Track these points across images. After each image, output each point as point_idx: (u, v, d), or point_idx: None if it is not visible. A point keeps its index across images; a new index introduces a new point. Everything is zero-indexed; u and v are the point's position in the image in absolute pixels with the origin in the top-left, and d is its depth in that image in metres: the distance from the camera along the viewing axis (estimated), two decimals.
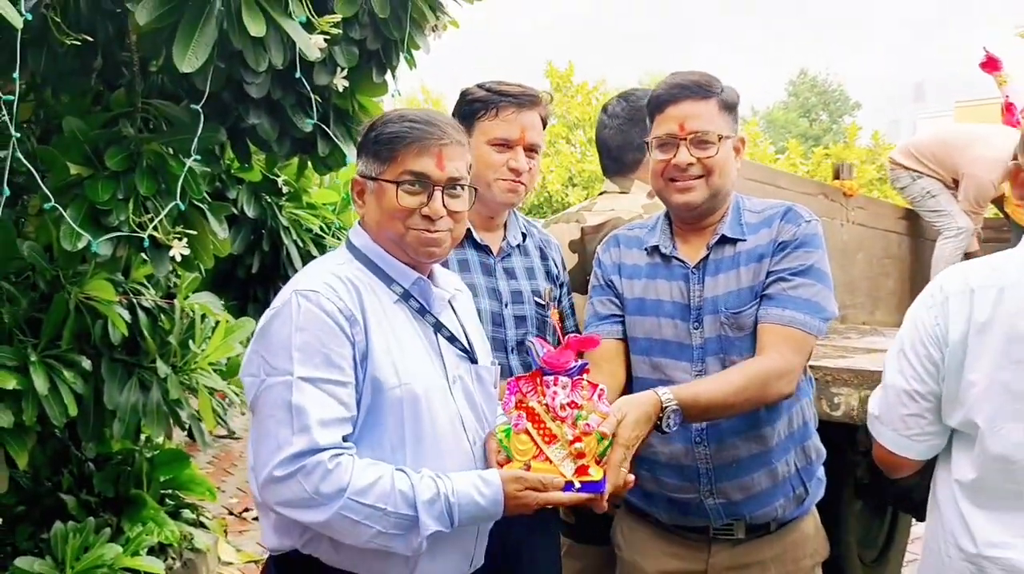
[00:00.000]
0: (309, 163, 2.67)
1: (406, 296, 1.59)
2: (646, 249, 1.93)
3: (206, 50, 2.01)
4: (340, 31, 2.25)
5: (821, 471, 1.94)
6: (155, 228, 2.24)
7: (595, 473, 1.49)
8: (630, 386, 1.89)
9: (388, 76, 2.54)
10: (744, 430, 1.80)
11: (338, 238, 3.59)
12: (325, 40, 2.20)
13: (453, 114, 2.00)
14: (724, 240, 1.85)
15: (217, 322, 2.99)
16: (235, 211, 3.03)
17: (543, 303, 2.03)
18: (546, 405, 1.51)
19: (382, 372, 1.50)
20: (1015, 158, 1.61)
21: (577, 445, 1.48)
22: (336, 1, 2.26)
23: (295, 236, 3.34)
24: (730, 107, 1.85)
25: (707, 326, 1.82)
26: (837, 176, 4.70)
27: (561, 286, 2.15)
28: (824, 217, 4.15)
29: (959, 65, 5.45)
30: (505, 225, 2.08)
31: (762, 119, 30.25)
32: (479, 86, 2.00)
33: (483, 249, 2.02)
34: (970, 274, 1.56)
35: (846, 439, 2.55)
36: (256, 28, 1.99)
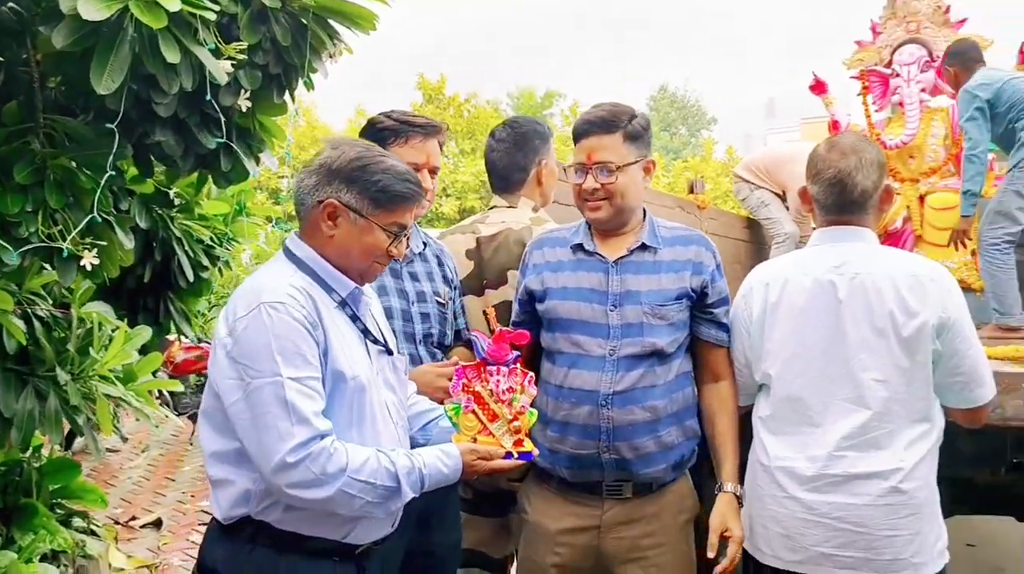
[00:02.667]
0: (209, 177, 2.80)
1: (343, 304, 1.84)
2: (571, 247, 2.28)
3: (121, 73, 2.15)
4: (245, 57, 2.43)
5: (695, 444, 2.30)
6: (63, 239, 2.35)
7: (527, 445, 1.92)
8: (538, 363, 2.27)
9: (287, 97, 2.73)
10: (642, 401, 2.14)
11: (228, 248, 3.72)
12: (232, 65, 2.38)
13: (361, 137, 2.26)
14: (644, 247, 2.22)
15: (115, 330, 3.06)
16: None
17: (443, 302, 2.30)
18: (490, 390, 1.92)
19: (340, 365, 1.75)
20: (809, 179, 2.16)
21: (515, 423, 1.90)
22: (241, 29, 2.43)
23: (187, 247, 3.44)
24: (635, 136, 2.22)
25: (628, 313, 2.17)
26: (691, 190, 5.18)
27: (455, 289, 2.42)
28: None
29: (805, 85, 6.09)
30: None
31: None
32: (387, 115, 2.25)
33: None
34: (767, 270, 2.20)
35: None
36: (171, 55, 2.15)
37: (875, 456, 2.01)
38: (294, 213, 1.93)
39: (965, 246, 4.97)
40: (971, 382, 2.06)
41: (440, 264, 2.40)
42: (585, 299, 2.20)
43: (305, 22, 2.59)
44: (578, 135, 2.23)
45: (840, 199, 2.10)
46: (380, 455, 1.73)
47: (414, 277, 2.30)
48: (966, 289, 4.80)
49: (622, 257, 2.22)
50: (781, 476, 2.09)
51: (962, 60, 4.89)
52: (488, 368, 1.95)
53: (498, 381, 1.93)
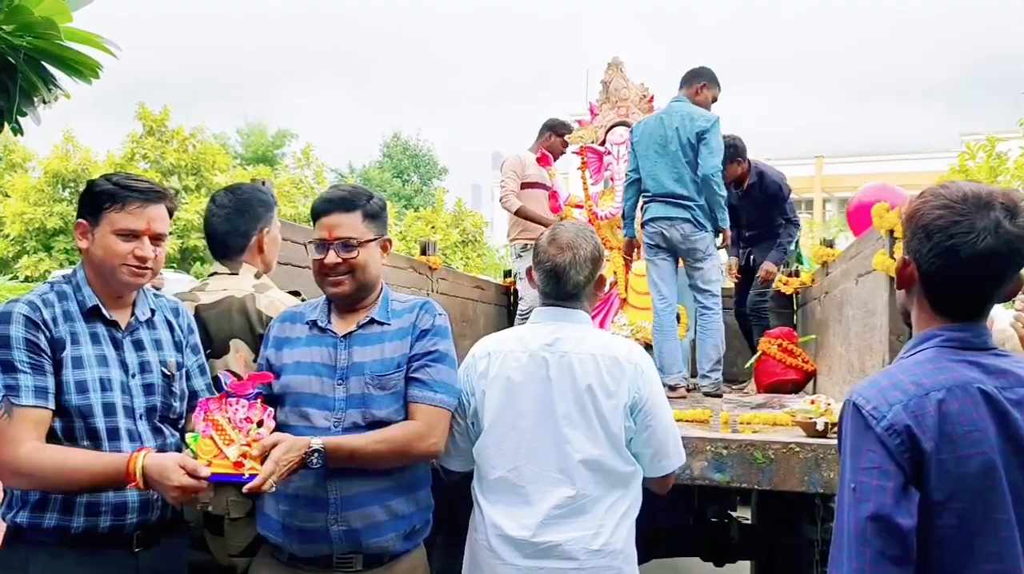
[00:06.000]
0: None
1: None
2: (307, 323, 2.28)
3: None
4: None
5: (428, 515, 2.34)
6: None
7: (259, 468, 1.98)
8: None
9: None
10: (369, 472, 2.16)
11: None
12: None
13: (79, 203, 2.13)
14: (372, 322, 2.26)
15: None
16: None
17: (168, 374, 2.18)
18: (228, 418, 2.01)
19: None
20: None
21: (245, 447, 1.98)
22: None
23: None
24: (373, 215, 2.29)
25: (352, 385, 2.19)
26: (424, 252, 5.34)
27: (192, 347, 2.33)
28: (413, 287, 4.71)
29: (528, 140, 6.58)
30: (134, 302, 2.20)
31: (359, 177, 31.53)
32: (106, 178, 2.11)
33: (112, 324, 2.13)
34: (491, 341, 2.36)
35: None
36: None
37: (579, 522, 2.18)
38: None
39: None
40: (658, 454, 2.30)
41: (171, 329, 2.28)
42: (316, 373, 2.23)
43: (15, 63, 2.39)
44: (319, 213, 2.28)
45: (556, 289, 2.31)
46: None
47: (138, 346, 2.16)
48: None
49: (351, 332, 2.26)
50: (498, 543, 2.20)
51: None
52: (229, 399, 2.04)
53: (236, 410, 2.03)
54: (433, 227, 22.74)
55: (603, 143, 6.56)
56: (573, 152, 6.74)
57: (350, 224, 2.24)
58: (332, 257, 2.23)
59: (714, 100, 5.20)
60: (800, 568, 3.67)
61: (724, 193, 4.98)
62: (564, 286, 2.28)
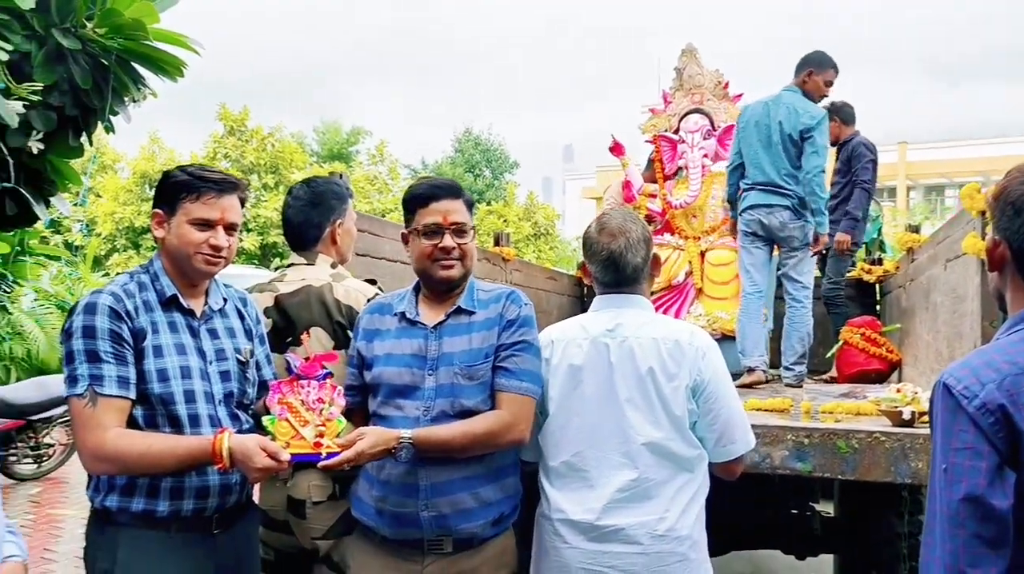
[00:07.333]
0: None
1: None
2: (396, 314, 2.33)
3: None
4: (39, 97, 2.29)
5: (516, 501, 2.37)
6: None
7: (335, 447, 2.06)
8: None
9: (85, 139, 2.59)
10: (458, 460, 2.20)
11: (6, 291, 3.44)
12: (24, 106, 2.23)
13: (156, 193, 2.20)
14: (460, 311, 2.29)
15: None
16: None
17: (243, 361, 2.25)
18: (301, 400, 2.10)
19: None
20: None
21: (321, 428, 2.07)
22: (35, 69, 2.30)
23: None
24: (471, 205, 2.37)
25: (442, 375, 2.23)
26: (497, 243, 5.37)
27: (260, 338, 2.39)
28: (487, 278, 4.74)
29: (602, 135, 6.53)
30: (207, 291, 2.27)
31: (432, 172, 31.81)
32: (181, 170, 2.18)
33: (188, 312, 2.20)
34: (555, 330, 2.38)
35: None
36: None
37: (643, 507, 2.19)
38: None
39: None
40: (722, 438, 2.27)
41: (241, 318, 2.35)
42: (406, 365, 2.27)
43: (107, 65, 2.48)
44: (425, 199, 2.30)
45: (616, 276, 2.32)
46: None
47: (213, 334, 2.24)
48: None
49: (440, 322, 2.30)
50: (562, 527, 2.23)
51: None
52: (300, 382, 2.12)
53: (308, 392, 2.11)
54: (505, 220, 22.83)
55: (676, 131, 6.47)
56: (646, 141, 6.67)
57: (460, 210, 2.30)
58: (448, 241, 2.26)
59: (828, 84, 5.07)
60: (888, 562, 3.57)
61: (825, 196, 4.89)
62: (623, 271, 2.29)
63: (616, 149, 6.58)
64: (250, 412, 2.28)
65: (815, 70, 5.01)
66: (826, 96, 5.14)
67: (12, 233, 3.27)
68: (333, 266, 2.72)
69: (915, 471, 2.64)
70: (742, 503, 3.59)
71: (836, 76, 5.09)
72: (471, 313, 2.30)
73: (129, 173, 20.88)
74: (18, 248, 3.43)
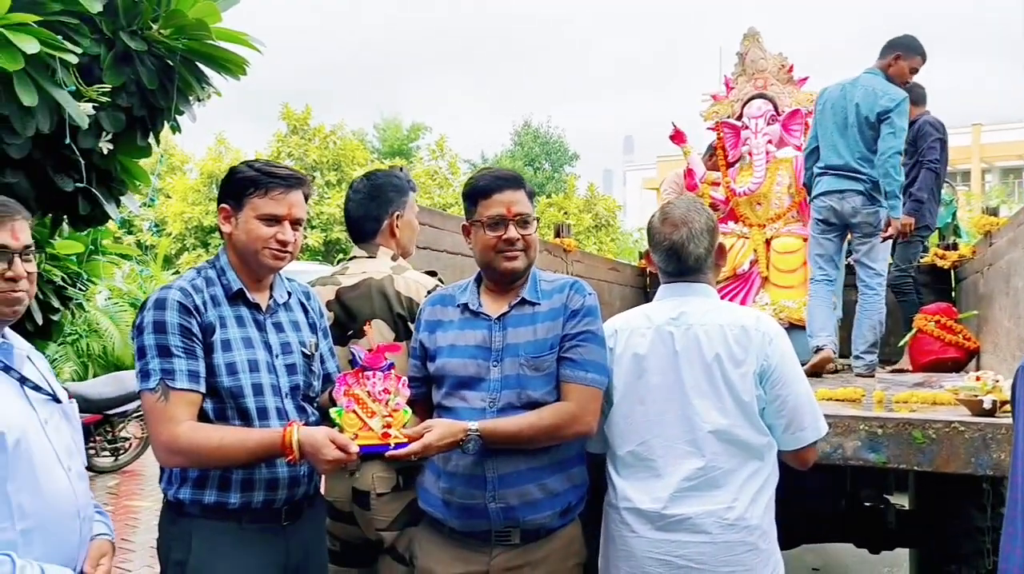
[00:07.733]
0: (65, 220, 2.68)
1: None
2: (458, 306, 2.33)
3: None
4: (108, 99, 2.35)
5: (583, 492, 2.35)
6: None
7: (403, 438, 2.09)
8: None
9: (152, 139, 2.65)
10: (524, 451, 2.20)
11: (81, 288, 3.54)
12: (94, 107, 2.29)
13: (222, 188, 2.22)
14: (523, 302, 2.28)
15: None
16: None
17: (308, 354, 2.27)
18: (368, 392, 2.12)
19: None
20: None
21: (388, 418, 2.09)
22: (104, 71, 2.35)
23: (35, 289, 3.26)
24: (532, 195, 2.35)
25: (507, 366, 2.23)
26: (558, 235, 5.35)
27: (323, 331, 2.41)
28: (549, 270, 4.72)
29: (662, 126, 6.45)
30: (272, 285, 2.30)
31: (493, 166, 31.86)
32: (248, 165, 2.21)
33: (254, 307, 2.23)
34: (619, 319, 2.36)
35: None
36: (27, 98, 2.06)
37: (712, 495, 2.16)
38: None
39: None
40: (792, 425, 2.22)
41: (305, 311, 2.37)
42: (471, 356, 2.27)
43: (172, 65, 2.54)
44: (488, 190, 2.28)
45: (678, 266, 2.29)
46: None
47: (279, 328, 2.26)
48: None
49: (504, 314, 2.29)
50: (629, 516, 2.21)
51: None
52: (365, 373, 2.13)
53: (374, 383, 2.12)
54: (566, 213, 22.75)
55: (739, 117, 6.34)
56: (708, 128, 6.56)
57: (523, 201, 2.29)
58: (513, 232, 2.25)
59: (913, 72, 4.88)
60: (968, 557, 3.43)
61: (900, 179, 4.70)
62: (686, 261, 2.26)
63: (677, 137, 6.49)
64: (316, 405, 2.30)
65: (903, 54, 4.81)
66: (908, 83, 4.93)
67: (85, 232, 3.34)
68: (394, 258, 2.73)
69: (997, 462, 2.53)
70: (813, 495, 3.50)
71: (923, 64, 4.90)
72: (535, 304, 2.29)
73: (197, 174, 21.41)
74: (91, 247, 3.50)
